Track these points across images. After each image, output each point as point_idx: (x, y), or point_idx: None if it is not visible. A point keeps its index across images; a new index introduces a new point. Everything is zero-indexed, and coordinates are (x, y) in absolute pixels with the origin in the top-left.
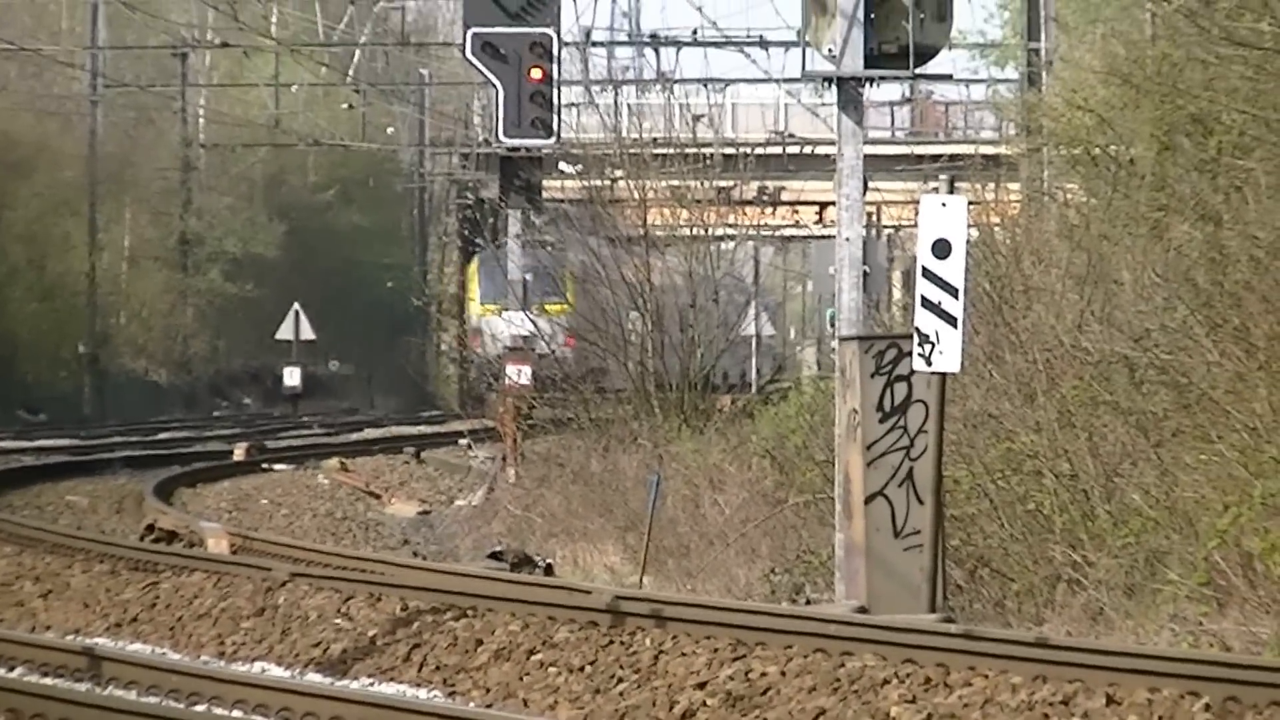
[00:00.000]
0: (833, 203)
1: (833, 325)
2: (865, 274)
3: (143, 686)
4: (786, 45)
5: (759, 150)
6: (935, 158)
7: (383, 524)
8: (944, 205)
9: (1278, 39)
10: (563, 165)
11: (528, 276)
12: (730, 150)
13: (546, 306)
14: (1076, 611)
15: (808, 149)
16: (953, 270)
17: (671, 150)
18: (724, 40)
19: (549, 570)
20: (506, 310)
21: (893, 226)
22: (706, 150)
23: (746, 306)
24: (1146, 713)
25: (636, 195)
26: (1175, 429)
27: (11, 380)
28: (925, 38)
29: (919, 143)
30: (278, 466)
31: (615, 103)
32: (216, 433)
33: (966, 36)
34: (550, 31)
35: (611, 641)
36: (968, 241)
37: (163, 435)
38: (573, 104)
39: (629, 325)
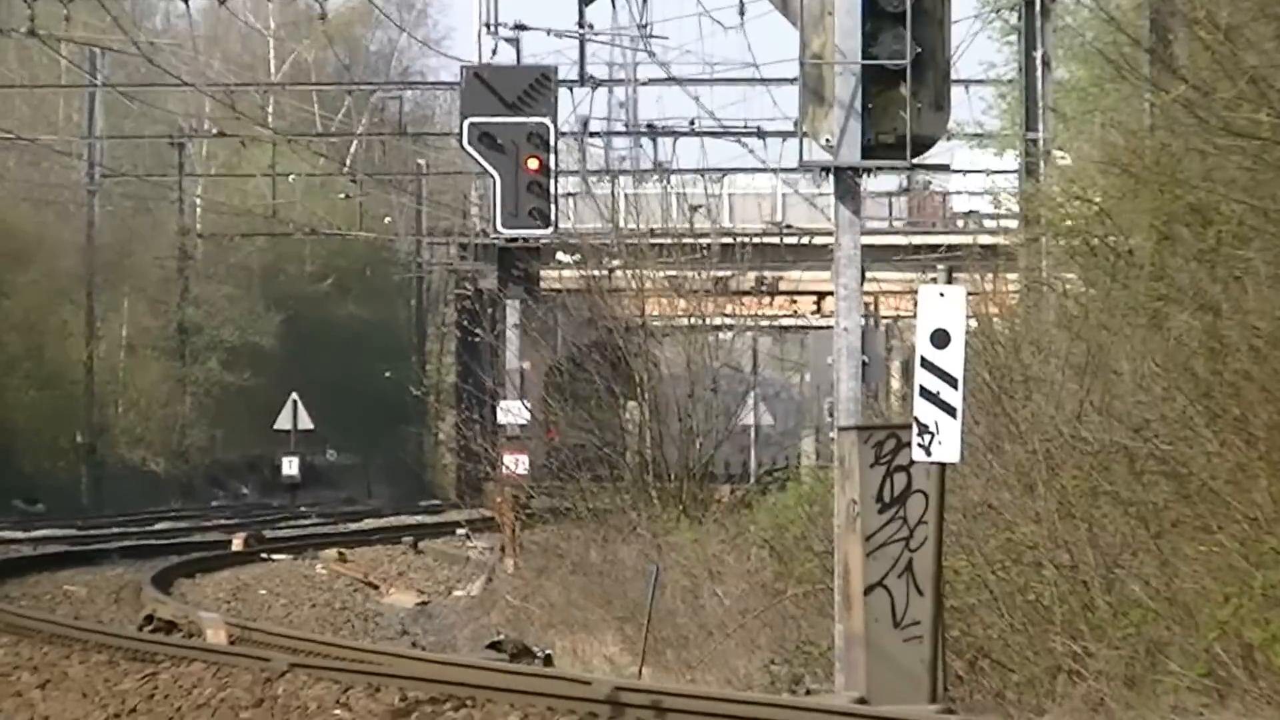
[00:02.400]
0: (830, 292)
1: (831, 415)
2: (864, 364)
3: None
4: (784, 135)
5: (756, 240)
6: (933, 248)
7: (381, 614)
8: (942, 295)
9: (1276, 129)
10: (560, 255)
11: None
12: (728, 240)
13: None
14: (1077, 702)
15: (805, 239)
16: (952, 360)
17: (669, 240)
18: (721, 130)
19: (548, 661)
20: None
21: (891, 316)
22: (704, 240)
23: (745, 396)
24: None
25: (634, 285)
26: (1175, 520)
27: (9, 470)
28: (923, 128)
29: (917, 233)
30: (276, 557)
31: (612, 193)
32: (214, 522)
33: (964, 128)
34: (547, 121)
35: None
36: (966, 331)
37: (160, 525)
38: (570, 194)
39: (627, 416)
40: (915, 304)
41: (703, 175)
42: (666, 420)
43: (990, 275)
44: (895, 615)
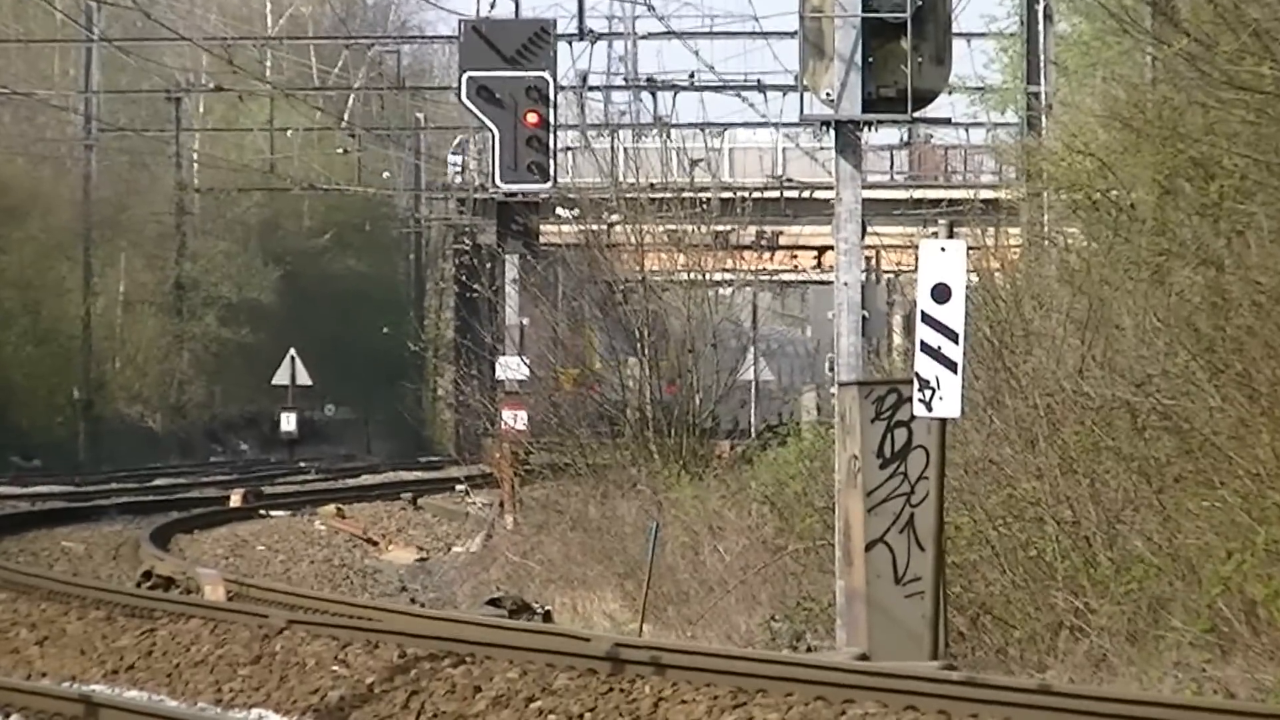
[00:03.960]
0: (831, 247)
1: (832, 370)
2: (864, 319)
3: None
4: (784, 89)
5: (757, 195)
6: (934, 202)
7: (380, 571)
8: (943, 250)
9: (1279, 83)
10: (559, 210)
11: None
12: (728, 195)
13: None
14: (1079, 659)
15: (806, 193)
16: (952, 315)
17: (669, 195)
18: (721, 84)
19: (547, 617)
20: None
21: (892, 271)
22: (704, 195)
23: (744, 352)
24: None
25: (634, 240)
26: (1178, 475)
27: (6, 426)
28: (924, 82)
29: (918, 187)
30: (274, 513)
31: (612, 147)
32: (213, 479)
33: (965, 81)
34: (546, 75)
35: (611, 689)
36: (967, 286)
37: (158, 481)
38: (569, 148)
39: (627, 371)
40: (916, 258)
41: (702, 130)
42: (667, 375)
43: (992, 230)
44: (896, 571)
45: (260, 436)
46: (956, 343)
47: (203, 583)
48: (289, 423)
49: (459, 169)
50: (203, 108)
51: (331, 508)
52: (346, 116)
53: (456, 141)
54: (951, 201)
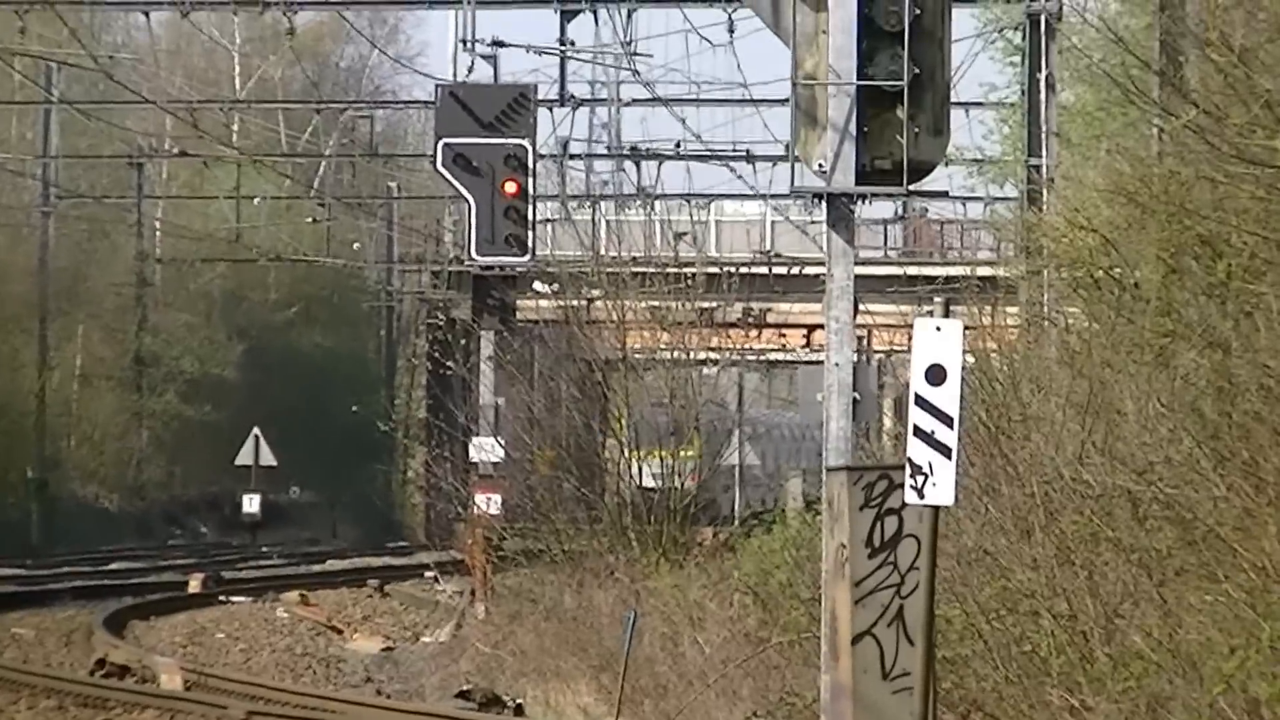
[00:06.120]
0: (821, 326)
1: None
2: (855, 401)
3: None
4: (774, 160)
5: (744, 270)
6: (930, 279)
7: (345, 660)
8: (938, 329)
9: None
10: (538, 284)
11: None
12: (714, 270)
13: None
14: None
15: (795, 269)
16: (947, 398)
17: (652, 269)
18: (708, 154)
19: (519, 711)
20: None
21: (884, 351)
22: (689, 270)
23: (729, 435)
24: None
25: (615, 316)
26: (1180, 567)
27: None
28: (920, 153)
29: (913, 263)
30: (235, 599)
31: (593, 219)
32: (171, 562)
33: (964, 153)
34: (525, 143)
35: None
36: (963, 368)
37: (114, 565)
38: (549, 220)
39: (606, 454)
40: (910, 338)
41: (688, 201)
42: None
43: (989, 308)
44: (884, 665)
45: (221, 519)
46: (951, 427)
47: (159, 671)
48: (252, 505)
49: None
50: (166, 174)
51: (295, 594)
52: (316, 184)
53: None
54: (947, 279)
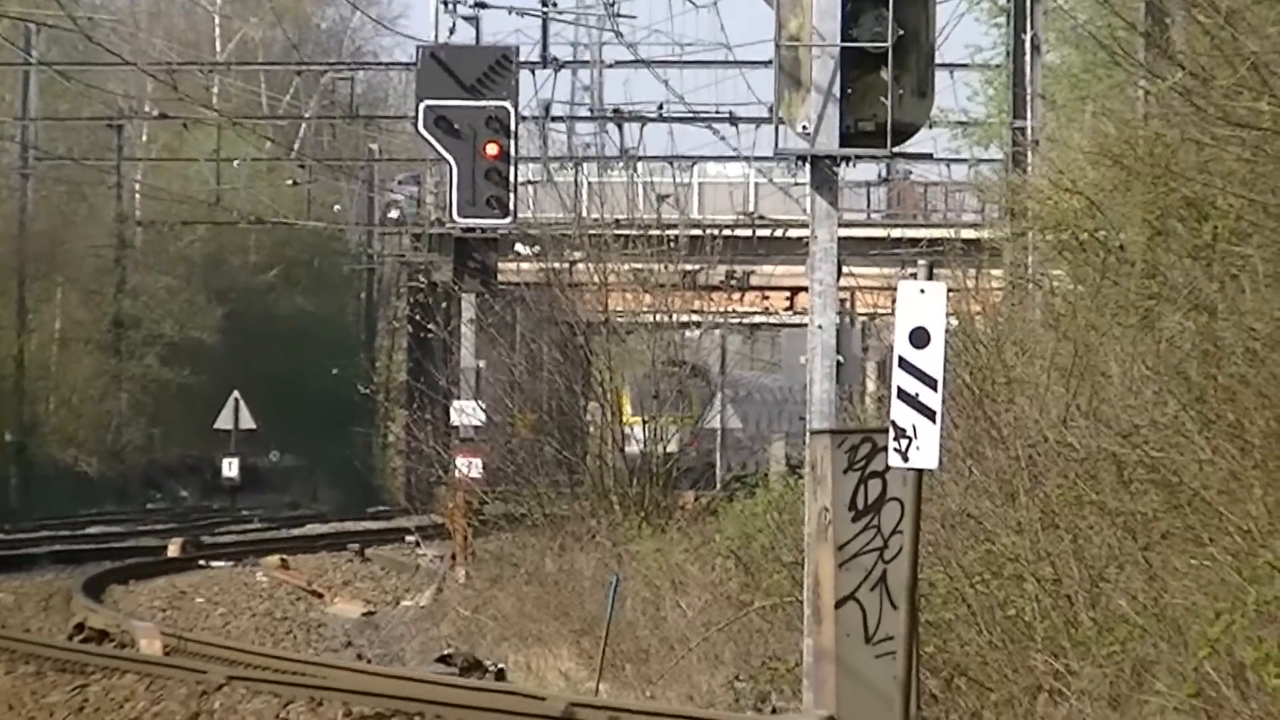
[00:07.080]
0: (804, 288)
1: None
2: (838, 364)
3: None
4: (757, 122)
5: (727, 232)
6: (914, 242)
7: (325, 625)
8: (922, 292)
9: (1277, 119)
10: (519, 247)
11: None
12: (697, 232)
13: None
14: None
15: (779, 231)
16: (931, 361)
17: (634, 231)
18: (691, 116)
19: (500, 675)
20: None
21: (867, 314)
22: (671, 232)
23: (712, 398)
24: None
25: (597, 279)
26: (1165, 531)
27: None
28: (904, 115)
29: (896, 225)
30: (215, 563)
31: (575, 181)
32: (150, 527)
33: (948, 115)
34: (508, 105)
35: None
36: (947, 330)
37: (93, 529)
38: (530, 182)
39: (588, 417)
40: (893, 301)
41: (671, 163)
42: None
43: (973, 271)
44: (867, 630)
45: (201, 483)
46: (935, 390)
47: (138, 636)
48: (231, 469)
49: (413, 201)
50: (146, 136)
51: (275, 558)
52: (297, 146)
53: (405, 176)
54: (931, 241)
